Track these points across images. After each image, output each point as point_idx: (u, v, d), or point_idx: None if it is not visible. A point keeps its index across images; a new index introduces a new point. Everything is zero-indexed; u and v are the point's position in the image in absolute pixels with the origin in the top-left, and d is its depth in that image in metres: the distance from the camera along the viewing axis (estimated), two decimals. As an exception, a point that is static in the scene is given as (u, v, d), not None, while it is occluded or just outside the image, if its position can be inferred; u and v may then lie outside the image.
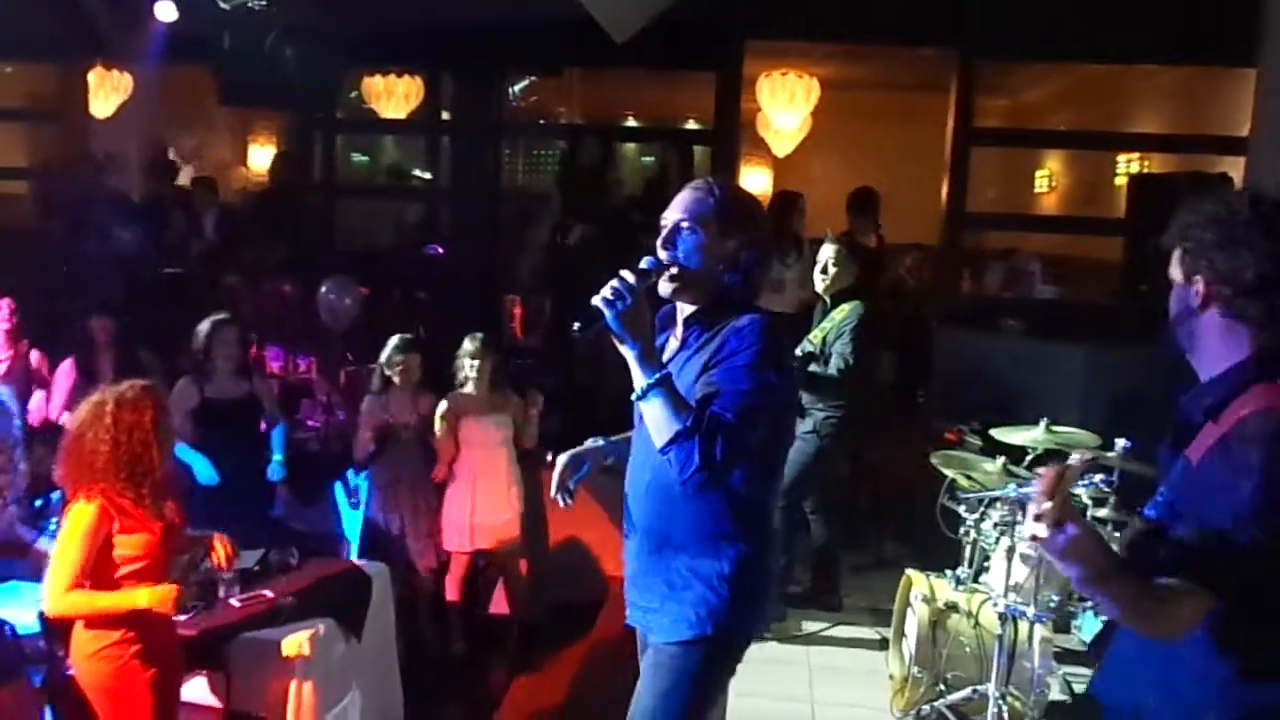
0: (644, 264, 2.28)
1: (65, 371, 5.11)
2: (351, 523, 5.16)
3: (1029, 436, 3.94)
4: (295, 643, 3.57)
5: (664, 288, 2.31)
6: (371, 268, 6.90)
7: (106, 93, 8.04)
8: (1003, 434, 4.10)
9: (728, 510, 2.28)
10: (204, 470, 4.56)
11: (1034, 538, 1.57)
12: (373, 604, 4.13)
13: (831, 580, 4.92)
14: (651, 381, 2.17)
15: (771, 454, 2.35)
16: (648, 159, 9.01)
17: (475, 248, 7.01)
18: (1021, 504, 3.67)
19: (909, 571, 4.12)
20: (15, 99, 9.31)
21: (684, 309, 2.39)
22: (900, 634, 4.17)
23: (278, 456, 4.87)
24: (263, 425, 4.93)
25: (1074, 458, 1.67)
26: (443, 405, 4.82)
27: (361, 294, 6.36)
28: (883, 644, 4.47)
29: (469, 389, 4.86)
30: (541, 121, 9.18)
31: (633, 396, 2.21)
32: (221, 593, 3.75)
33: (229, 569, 3.54)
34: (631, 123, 9.86)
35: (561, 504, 2.55)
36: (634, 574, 2.46)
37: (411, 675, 4.39)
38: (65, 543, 2.96)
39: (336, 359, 6.33)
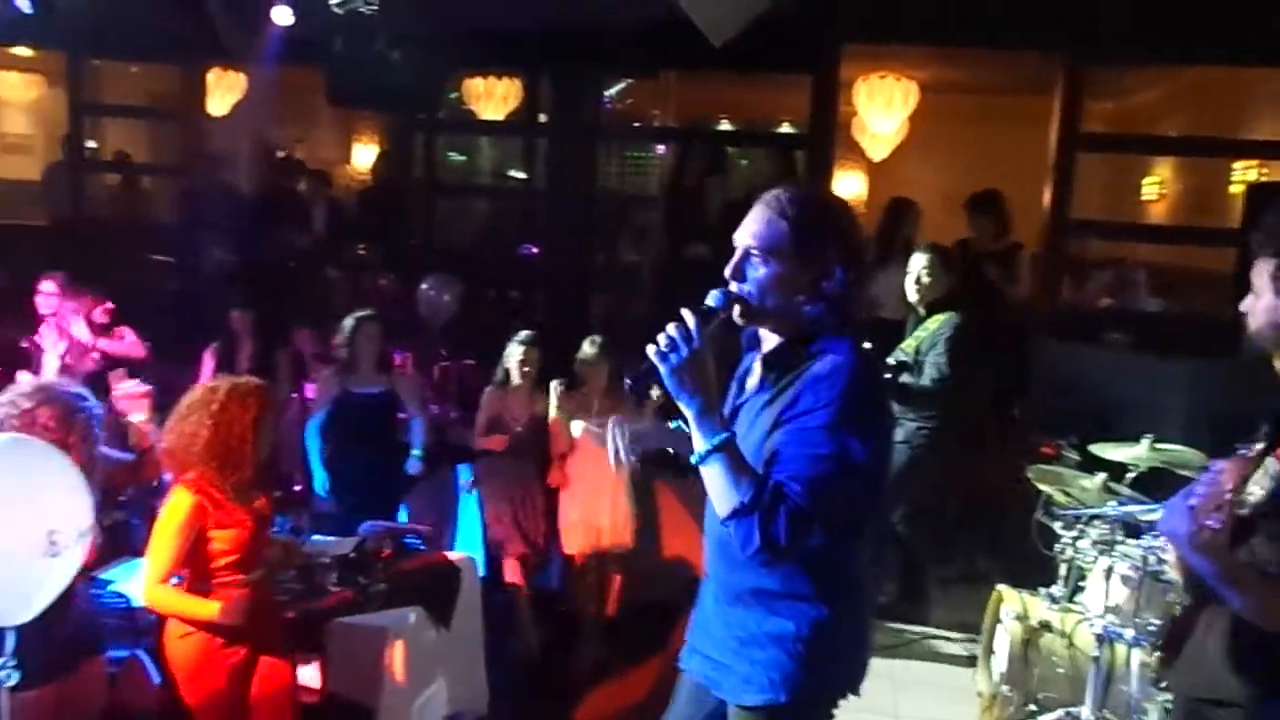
0: (711, 300, 2.03)
1: (206, 362, 5.40)
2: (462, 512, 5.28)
3: (1131, 453, 3.82)
4: (386, 629, 3.70)
5: (738, 319, 2.05)
6: (467, 266, 7.05)
7: (223, 92, 8.40)
8: (1103, 450, 3.98)
9: (801, 570, 2.04)
10: (320, 482, 4.76)
11: (1201, 528, 1.55)
12: (460, 595, 4.24)
13: (919, 592, 4.84)
14: (710, 446, 1.94)
15: (851, 517, 2.05)
16: (743, 162, 8.98)
17: (569, 248, 7.09)
18: (1123, 523, 3.56)
19: (1000, 587, 4.03)
20: (139, 97, 9.79)
21: (767, 338, 2.11)
22: (989, 651, 4.08)
23: (416, 451, 4.97)
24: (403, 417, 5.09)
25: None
26: (555, 401, 4.84)
27: (460, 291, 6.50)
28: (970, 660, 4.38)
29: (584, 391, 4.89)
30: (636, 124, 9.23)
31: (692, 459, 1.99)
32: (319, 578, 3.90)
33: (282, 569, 3.59)
34: (726, 126, 9.85)
35: (620, 469, 2.45)
36: (703, 620, 2.28)
37: (498, 667, 4.49)
38: (160, 534, 3.05)
39: (432, 354, 6.48)
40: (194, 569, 3.10)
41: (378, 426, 4.92)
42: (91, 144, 8.97)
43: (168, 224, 7.93)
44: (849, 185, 9.83)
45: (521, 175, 9.28)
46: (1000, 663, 3.90)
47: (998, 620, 4.01)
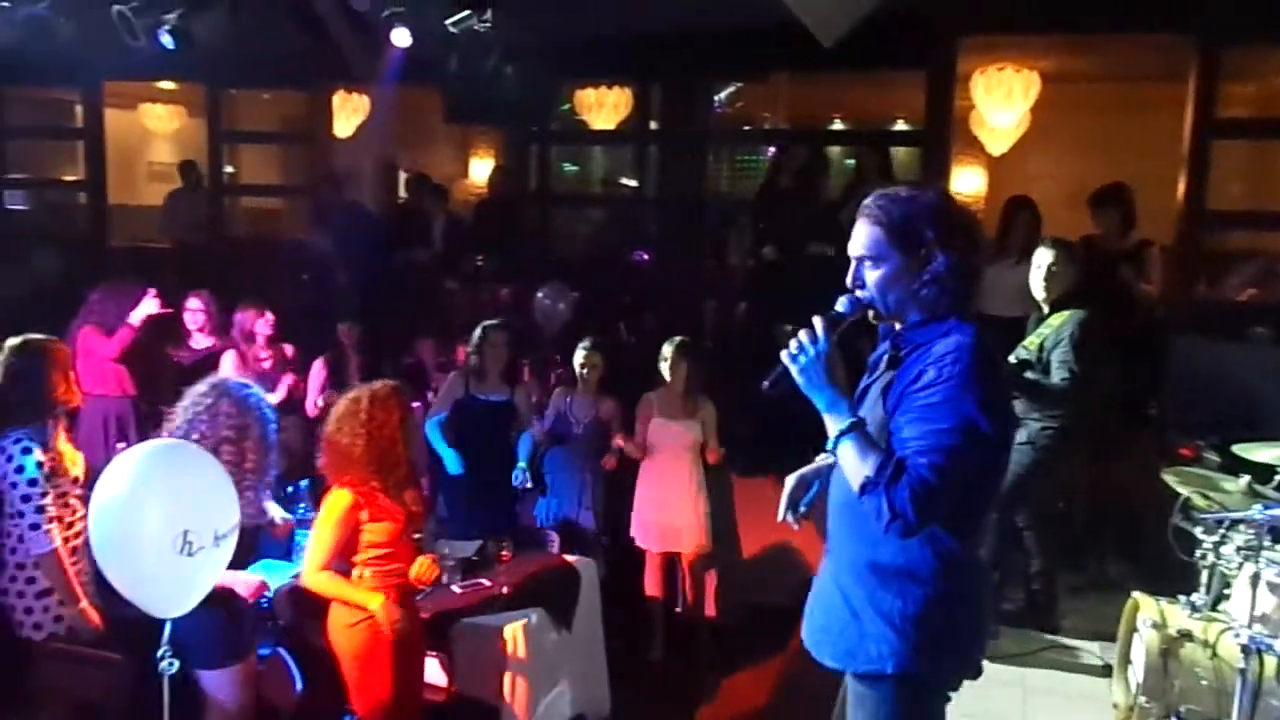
0: (840, 307, 2.20)
1: (316, 370, 5.65)
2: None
3: (1279, 454, 3.60)
4: (511, 630, 3.79)
5: (872, 320, 2.22)
6: (580, 274, 7.16)
7: (348, 114, 8.77)
8: (1247, 450, 3.76)
9: (916, 549, 2.12)
10: (452, 463, 4.90)
11: None
12: (581, 598, 4.31)
13: (1048, 599, 4.66)
14: (841, 430, 2.08)
15: (981, 495, 2.15)
16: (849, 162, 8.86)
17: (680, 254, 7.13)
18: (1270, 527, 3.37)
19: (1136, 594, 3.85)
20: (272, 123, 10.30)
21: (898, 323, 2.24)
22: (1125, 660, 3.91)
23: (521, 464, 5.02)
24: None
25: None
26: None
27: (574, 299, 6.61)
28: (1105, 669, 4.20)
29: (662, 391, 4.97)
30: (746, 128, 9.21)
31: (827, 447, 2.14)
32: (445, 579, 4.02)
33: (423, 585, 3.71)
34: (839, 126, 9.72)
35: (792, 525, 2.44)
36: (820, 592, 2.35)
37: (616, 669, 4.54)
38: (321, 526, 3.30)
39: (547, 361, 6.61)
40: (345, 557, 3.31)
41: (494, 433, 5.02)
42: (229, 169, 9.51)
43: (297, 242, 8.32)
44: (967, 181, 9.56)
45: (633, 183, 9.37)
46: (1137, 673, 3.73)
47: (1134, 629, 3.83)
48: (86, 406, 5.28)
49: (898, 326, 2.22)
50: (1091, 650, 4.43)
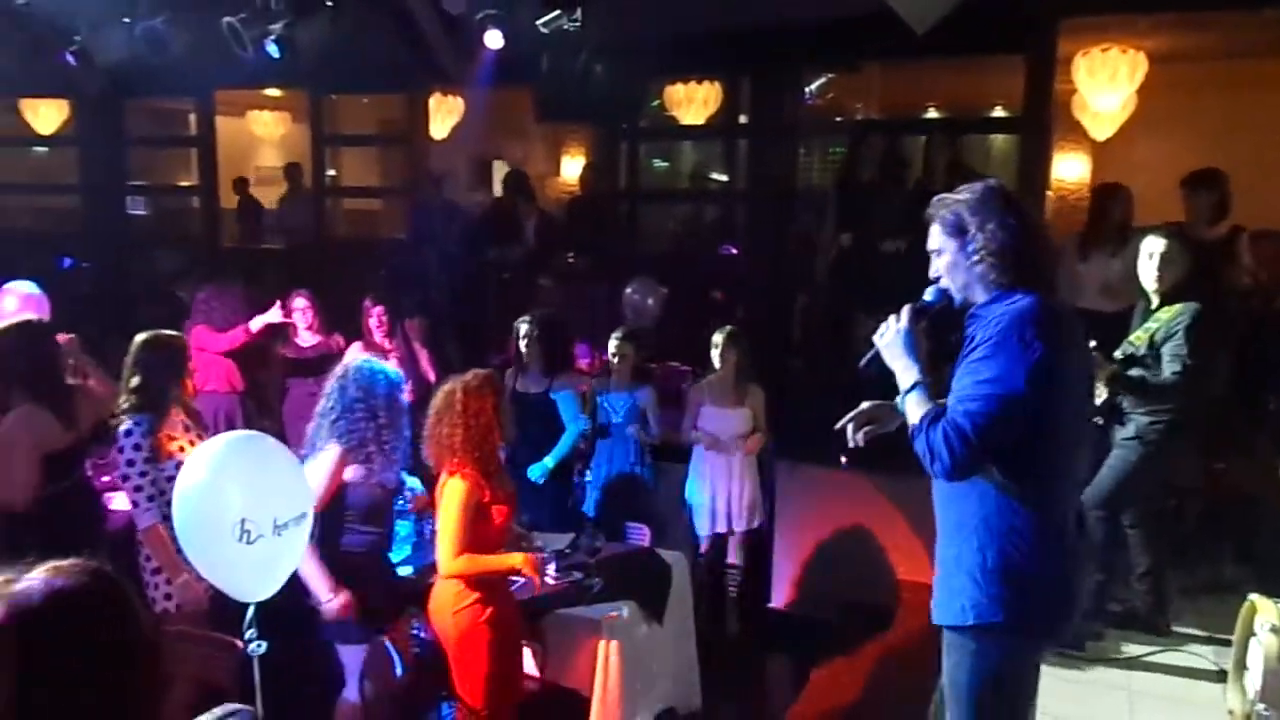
0: (928, 297, 2.53)
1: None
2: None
3: None
4: (602, 621, 3.84)
5: (957, 304, 2.49)
6: (670, 268, 7.18)
7: (443, 116, 8.96)
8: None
9: (988, 502, 2.35)
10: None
11: None
12: (672, 591, 4.33)
13: (1158, 600, 4.49)
14: (908, 386, 2.42)
15: (1030, 449, 2.31)
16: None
17: (769, 247, 7.08)
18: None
19: (1253, 597, 3.68)
20: (371, 126, 10.61)
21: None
22: (1241, 665, 3.74)
23: (547, 462, 5.05)
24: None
25: None
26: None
27: (664, 294, 6.64)
28: (1219, 675, 4.03)
29: (712, 379, 5.05)
30: (839, 119, 9.08)
31: (896, 404, 2.47)
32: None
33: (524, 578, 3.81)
34: (933, 114, 9.50)
35: (849, 440, 2.67)
36: (938, 560, 2.58)
37: (706, 663, 4.55)
38: (448, 515, 3.42)
39: (645, 358, 6.65)
40: (477, 542, 3.43)
41: (534, 425, 5.02)
42: (331, 172, 9.82)
43: (395, 241, 8.54)
44: (1070, 168, 9.24)
45: (723, 177, 9.35)
46: (1255, 679, 3.56)
47: (1251, 633, 3.66)
48: (198, 402, 5.55)
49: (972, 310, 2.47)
50: (1204, 654, 4.25)
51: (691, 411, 5.16)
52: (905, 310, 2.47)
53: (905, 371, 2.43)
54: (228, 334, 5.56)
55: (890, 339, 2.45)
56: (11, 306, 4.89)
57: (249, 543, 2.79)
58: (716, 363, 5.08)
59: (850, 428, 2.66)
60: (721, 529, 5.17)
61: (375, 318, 5.65)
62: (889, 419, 2.67)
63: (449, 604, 3.47)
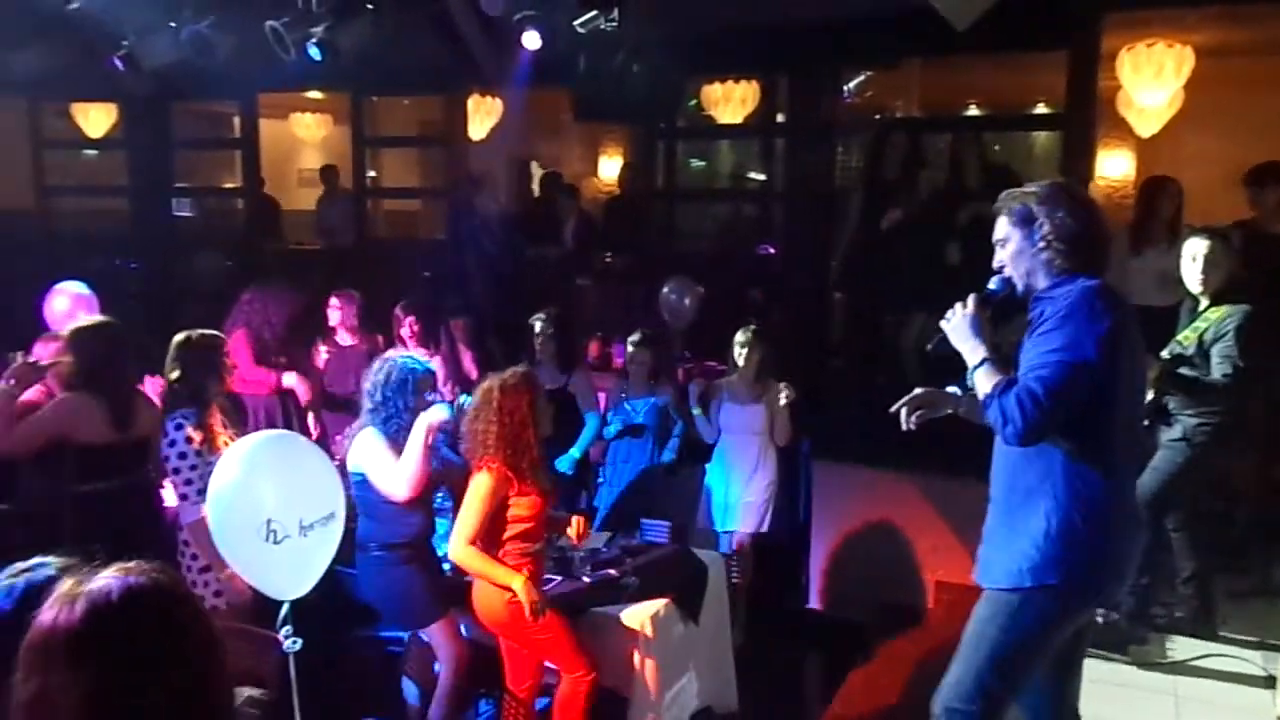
0: (992, 286, 2.68)
1: (437, 365, 5.86)
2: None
3: None
4: (639, 620, 3.84)
5: (1020, 293, 2.64)
6: (708, 268, 7.17)
7: (481, 117, 9.02)
8: None
9: (1051, 470, 2.48)
10: None
11: None
12: (708, 591, 4.33)
13: (1204, 605, 4.40)
14: (976, 362, 2.55)
15: (1095, 419, 2.45)
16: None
17: (807, 246, 7.05)
18: None
19: (1303, 602, 3.61)
20: (412, 128, 10.71)
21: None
22: (1290, 672, 3.67)
23: (573, 453, 5.22)
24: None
25: None
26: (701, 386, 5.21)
27: (700, 294, 6.63)
28: (1267, 680, 3.95)
29: (734, 376, 5.07)
30: (877, 117, 9.01)
31: (966, 380, 2.58)
32: (575, 568, 4.11)
33: (579, 545, 3.92)
34: (974, 111, 9.40)
35: (903, 424, 2.76)
36: (988, 529, 2.70)
37: (742, 664, 4.55)
38: (469, 503, 3.52)
39: (676, 357, 6.65)
40: (492, 534, 3.53)
41: (556, 420, 5.11)
42: (372, 174, 9.94)
43: (435, 242, 8.62)
44: (1115, 165, 9.09)
45: (760, 176, 9.32)
46: (1304, 686, 3.49)
47: (1300, 638, 3.59)
48: (242, 404, 5.64)
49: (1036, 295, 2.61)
50: (1252, 659, 4.17)
51: (712, 410, 5.19)
52: (971, 298, 2.62)
53: (973, 351, 2.57)
54: (256, 378, 5.59)
55: (957, 324, 2.61)
56: (63, 306, 5.00)
57: (275, 543, 2.83)
58: (739, 361, 5.10)
59: (904, 411, 2.76)
60: (734, 525, 5.16)
61: (407, 327, 5.69)
62: (941, 403, 2.82)
63: (498, 596, 3.54)
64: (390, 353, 3.91)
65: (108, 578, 1.27)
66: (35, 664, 1.22)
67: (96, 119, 9.75)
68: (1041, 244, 2.55)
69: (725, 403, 5.13)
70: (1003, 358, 2.59)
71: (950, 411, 2.84)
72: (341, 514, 3.17)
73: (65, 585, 1.27)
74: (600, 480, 5.40)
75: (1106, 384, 2.43)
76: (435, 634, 3.76)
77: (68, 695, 1.19)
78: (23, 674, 1.22)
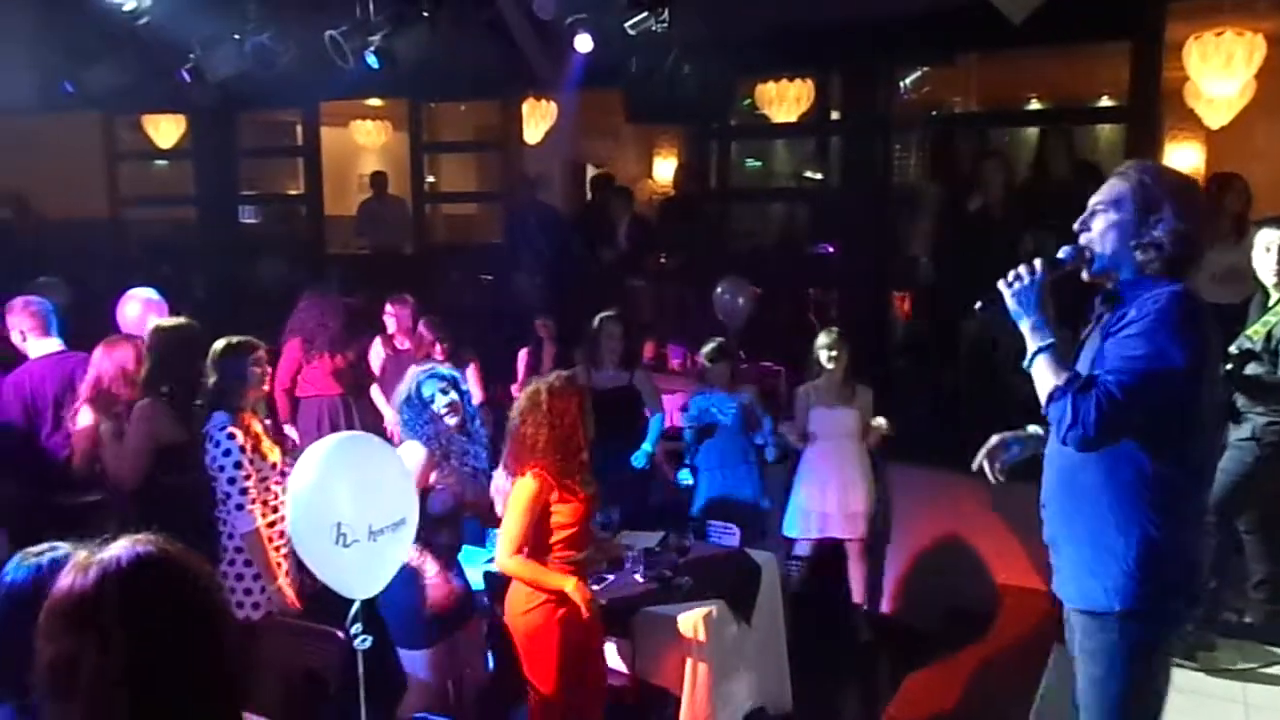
0: (1061, 253, 2.42)
1: (521, 360, 6.02)
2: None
3: None
4: (691, 620, 3.84)
5: (1085, 274, 2.42)
6: (763, 268, 7.15)
7: (536, 121, 9.10)
8: None
9: (1134, 486, 2.29)
10: None
11: None
12: (762, 592, 4.31)
13: (1276, 609, 4.26)
14: (1038, 347, 2.33)
15: (1179, 429, 2.28)
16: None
17: (864, 245, 6.98)
18: None
19: (1380, 608, 3.47)
20: (468, 133, 10.85)
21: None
22: (1368, 680, 3.53)
23: (646, 447, 5.26)
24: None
25: None
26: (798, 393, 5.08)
27: (754, 294, 6.61)
28: (1344, 690, 3.81)
29: (821, 380, 4.99)
30: (934, 113, 8.89)
31: (1023, 364, 2.36)
32: (627, 567, 4.13)
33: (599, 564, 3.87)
34: (1035, 105, 9.22)
35: (990, 478, 2.60)
36: (1051, 539, 2.53)
37: (799, 666, 4.52)
38: (513, 511, 3.47)
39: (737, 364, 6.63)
40: (538, 541, 3.48)
41: (617, 418, 5.08)
42: (430, 179, 10.08)
43: (491, 245, 8.71)
44: (1183, 158, 8.83)
45: (817, 175, 9.25)
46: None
47: (1378, 646, 3.45)
48: (303, 406, 5.77)
49: (1109, 286, 2.42)
50: (1328, 668, 4.03)
51: (800, 415, 5.10)
52: (1038, 261, 2.38)
53: (1034, 331, 2.35)
54: (315, 380, 5.70)
55: (1020, 290, 2.36)
56: (134, 311, 5.16)
57: (345, 546, 2.88)
58: (825, 364, 5.02)
59: (986, 465, 2.59)
60: (834, 533, 5.07)
61: (425, 330, 5.73)
62: (1026, 448, 2.62)
63: (520, 605, 3.50)
64: (413, 369, 3.89)
65: (119, 546, 1.34)
66: (53, 628, 1.29)
67: (166, 130, 10.06)
68: (1149, 240, 2.33)
69: (815, 407, 5.03)
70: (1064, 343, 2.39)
71: (1035, 454, 2.60)
72: (414, 520, 3.18)
73: (80, 555, 1.34)
74: (685, 482, 5.36)
75: (1192, 395, 2.27)
76: (416, 661, 3.64)
77: (83, 657, 1.26)
78: (42, 639, 1.29)
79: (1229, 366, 3.89)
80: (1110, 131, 8.07)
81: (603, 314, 5.38)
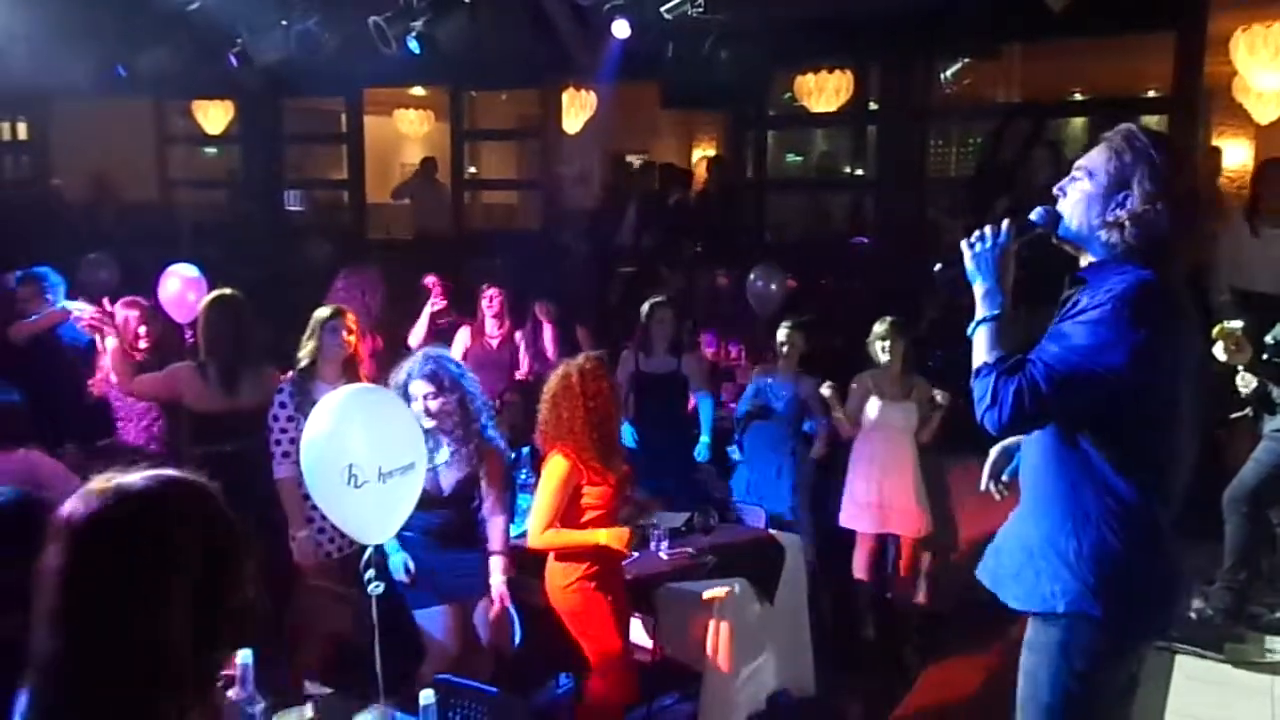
0: (1033, 216, 2.23)
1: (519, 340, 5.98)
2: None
3: None
4: (714, 597, 3.88)
5: (1053, 233, 2.23)
6: (800, 258, 7.14)
7: (576, 110, 9.17)
8: None
9: (1089, 488, 2.14)
10: (627, 436, 5.09)
11: None
12: (785, 572, 4.33)
13: (1309, 605, 4.22)
14: (983, 317, 2.17)
15: (1128, 430, 2.11)
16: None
17: (902, 237, 6.96)
18: None
19: None
20: (509, 122, 10.95)
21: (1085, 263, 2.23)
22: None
23: (705, 439, 5.23)
24: (692, 400, 5.39)
25: None
26: (854, 383, 4.93)
27: (789, 283, 6.61)
28: (1375, 685, 3.76)
29: (879, 371, 4.88)
30: (974, 105, 8.83)
31: (968, 332, 2.21)
32: (653, 545, 4.17)
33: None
34: (1079, 98, 9.10)
35: (995, 495, 2.52)
36: (1004, 534, 2.38)
37: (823, 652, 4.54)
38: (544, 491, 3.54)
39: (762, 345, 6.65)
40: (565, 521, 3.53)
41: (664, 403, 5.21)
42: (472, 169, 10.21)
43: (530, 233, 8.80)
44: (1233, 154, 8.69)
45: (857, 171, 9.22)
46: None
47: None
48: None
49: (1081, 266, 2.22)
50: (1360, 663, 3.98)
51: (855, 404, 5.01)
52: (1005, 222, 2.20)
53: (985, 297, 2.18)
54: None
55: (980, 251, 2.19)
56: (174, 287, 5.32)
57: (356, 487, 2.96)
58: (882, 355, 4.92)
59: (991, 485, 2.52)
60: (891, 529, 5.00)
61: (490, 305, 5.80)
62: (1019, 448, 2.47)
63: (560, 580, 3.58)
64: (416, 355, 3.93)
65: (140, 473, 1.35)
66: (61, 547, 1.28)
67: (215, 116, 10.28)
68: (1114, 218, 2.12)
69: (874, 399, 4.86)
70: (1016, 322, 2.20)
71: None
72: (422, 465, 3.27)
73: (97, 481, 1.33)
74: (739, 460, 5.35)
75: (1139, 396, 2.07)
76: (422, 619, 3.63)
77: (90, 574, 1.27)
78: (50, 556, 1.28)
79: (1264, 357, 3.87)
80: (1155, 124, 7.97)
81: (653, 299, 5.39)
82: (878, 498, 4.86)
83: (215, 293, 4.38)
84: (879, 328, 4.87)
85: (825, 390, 4.89)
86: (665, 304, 5.38)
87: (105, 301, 4.52)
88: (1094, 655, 2.18)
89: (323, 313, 4.10)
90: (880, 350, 4.84)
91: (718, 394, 5.82)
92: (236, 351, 4.11)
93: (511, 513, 4.41)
